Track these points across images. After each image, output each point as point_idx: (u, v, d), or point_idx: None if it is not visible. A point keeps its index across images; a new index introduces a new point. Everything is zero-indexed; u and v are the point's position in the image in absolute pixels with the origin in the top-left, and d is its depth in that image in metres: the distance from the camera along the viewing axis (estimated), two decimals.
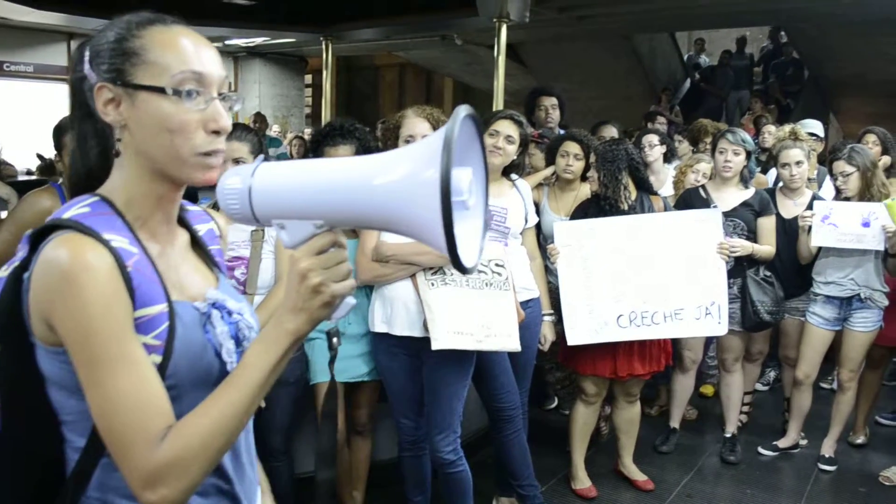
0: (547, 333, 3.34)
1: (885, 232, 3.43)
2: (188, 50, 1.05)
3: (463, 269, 0.90)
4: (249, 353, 1.01)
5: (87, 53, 1.06)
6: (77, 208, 1.04)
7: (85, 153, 1.10)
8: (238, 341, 1.14)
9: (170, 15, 1.09)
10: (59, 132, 2.77)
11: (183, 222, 1.20)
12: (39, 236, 1.01)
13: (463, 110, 0.90)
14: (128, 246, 1.03)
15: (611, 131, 4.84)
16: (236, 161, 2.53)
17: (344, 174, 0.96)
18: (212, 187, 1.08)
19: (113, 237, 1.01)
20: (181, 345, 1.04)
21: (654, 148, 4.64)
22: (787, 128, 4.58)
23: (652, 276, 3.25)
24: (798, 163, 3.81)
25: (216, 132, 1.07)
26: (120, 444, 0.97)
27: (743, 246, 3.57)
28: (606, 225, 3.28)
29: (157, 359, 1.02)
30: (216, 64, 1.08)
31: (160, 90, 1.03)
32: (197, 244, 1.21)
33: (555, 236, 3.32)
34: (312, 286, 0.97)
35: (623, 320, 3.23)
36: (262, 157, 1.05)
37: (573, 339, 3.25)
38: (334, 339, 1.08)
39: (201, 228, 1.24)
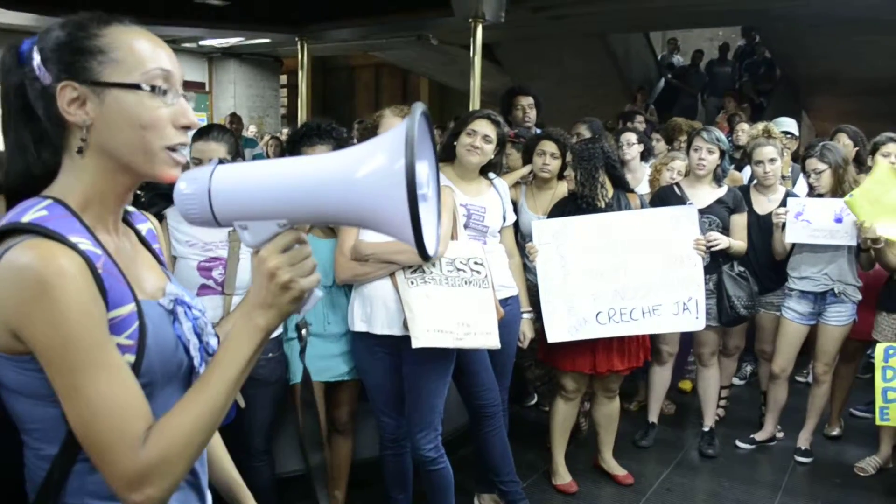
0: (526, 331, 3.36)
1: (856, 227, 3.48)
2: (152, 48, 1.06)
3: (427, 257, 0.94)
4: (223, 351, 1.02)
5: (36, 55, 1.04)
6: (33, 212, 1.01)
7: (27, 159, 1.07)
8: (199, 337, 1.15)
9: (134, 15, 1.09)
10: None
11: (126, 222, 1.20)
12: None
13: (419, 108, 0.93)
14: (92, 248, 1.01)
15: (584, 130, 4.82)
16: None
17: (316, 172, 0.97)
18: None
19: (79, 240, 1.00)
20: (153, 342, 1.05)
21: (631, 146, 4.68)
22: (761, 125, 4.65)
23: (630, 272, 3.28)
24: (771, 160, 3.87)
25: (185, 127, 1.08)
26: (102, 448, 0.96)
27: (721, 239, 3.61)
28: (584, 223, 3.31)
29: (131, 358, 1.02)
30: (176, 62, 1.09)
31: (135, 87, 1.03)
32: (142, 243, 1.22)
33: (533, 235, 3.34)
34: (282, 283, 0.99)
35: (602, 317, 3.26)
36: (216, 159, 1.06)
37: (553, 336, 3.27)
38: (303, 332, 1.13)
39: (142, 228, 1.24)
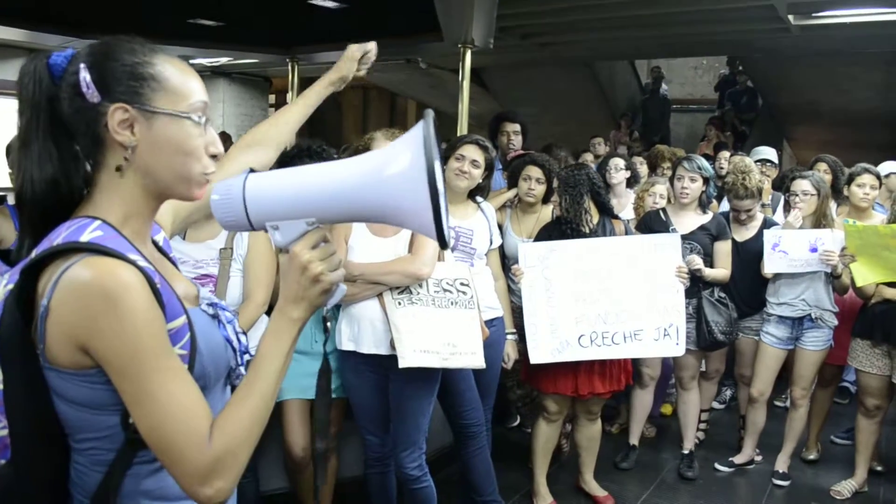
0: (510, 351, 3.41)
1: (825, 256, 3.58)
2: (195, 80, 1.14)
3: (445, 245, 1.04)
4: (264, 347, 1.09)
5: (85, 73, 1.07)
6: (89, 232, 1.05)
7: (53, 170, 1.09)
8: (236, 335, 1.23)
9: (132, 34, 1.14)
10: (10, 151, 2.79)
11: None
12: (42, 261, 1.02)
13: (430, 114, 1.03)
14: (145, 264, 1.07)
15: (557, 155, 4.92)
16: None
17: (345, 173, 1.06)
18: None
19: (135, 258, 1.05)
20: (205, 348, 1.12)
21: (619, 171, 4.77)
22: (737, 158, 4.74)
23: (612, 297, 3.34)
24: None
25: (213, 156, 1.15)
26: (173, 448, 1.02)
27: (700, 262, 3.70)
28: (569, 247, 3.37)
29: (184, 366, 1.08)
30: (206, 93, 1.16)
31: (186, 116, 1.10)
32: (160, 252, 1.26)
33: (519, 258, 3.39)
34: (313, 276, 1.07)
35: (584, 340, 3.31)
36: (248, 169, 1.14)
37: (536, 357, 3.32)
38: (328, 323, 1.20)
39: (158, 238, 1.28)
